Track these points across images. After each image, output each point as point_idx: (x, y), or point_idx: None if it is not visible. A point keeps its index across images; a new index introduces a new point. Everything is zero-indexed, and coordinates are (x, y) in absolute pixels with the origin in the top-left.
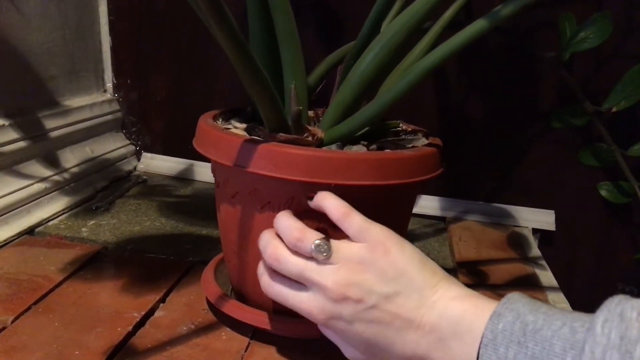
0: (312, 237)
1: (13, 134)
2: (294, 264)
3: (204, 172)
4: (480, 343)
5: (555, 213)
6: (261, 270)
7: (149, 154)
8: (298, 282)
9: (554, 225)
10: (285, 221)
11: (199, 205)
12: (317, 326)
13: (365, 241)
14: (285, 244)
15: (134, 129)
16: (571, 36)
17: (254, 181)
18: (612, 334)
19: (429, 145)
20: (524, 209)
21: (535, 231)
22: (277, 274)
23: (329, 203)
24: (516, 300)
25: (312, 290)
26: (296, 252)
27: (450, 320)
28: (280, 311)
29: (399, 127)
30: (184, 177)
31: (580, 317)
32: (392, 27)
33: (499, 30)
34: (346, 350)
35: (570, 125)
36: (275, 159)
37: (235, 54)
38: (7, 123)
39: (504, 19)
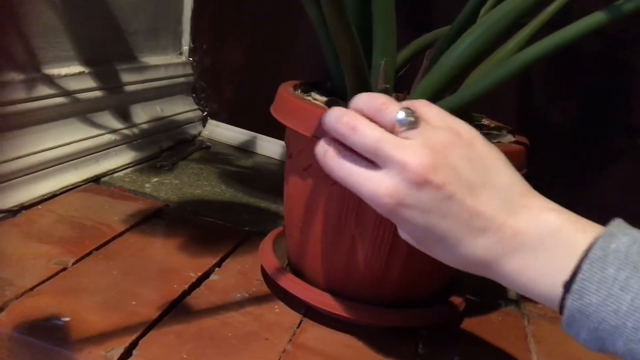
0: (397, 106)
1: (90, 82)
2: (372, 135)
3: (266, 146)
4: (582, 260)
5: None
6: (323, 148)
7: (214, 121)
8: (368, 161)
9: None
10: (367, 95)
11: (259, 177)
12: (370, 312)
13: (446, 127)
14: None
15: (203, 95)
16: None
17: None
18: None
19: (516, 142)
20: None
21: None
22: (344, 149)
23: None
24: (627, 226)
25: (386, 170)
26: (375, 125)
27: (544, 229)
28: (336, 292)
29: (482, 121)
30: (246, 149)
31: None
32: (494, 14)
33: (600, 34)
34: (402, 232)
35: None
36: None
37: (335, 18)
38: (86, 71)
39: (625, 16)
